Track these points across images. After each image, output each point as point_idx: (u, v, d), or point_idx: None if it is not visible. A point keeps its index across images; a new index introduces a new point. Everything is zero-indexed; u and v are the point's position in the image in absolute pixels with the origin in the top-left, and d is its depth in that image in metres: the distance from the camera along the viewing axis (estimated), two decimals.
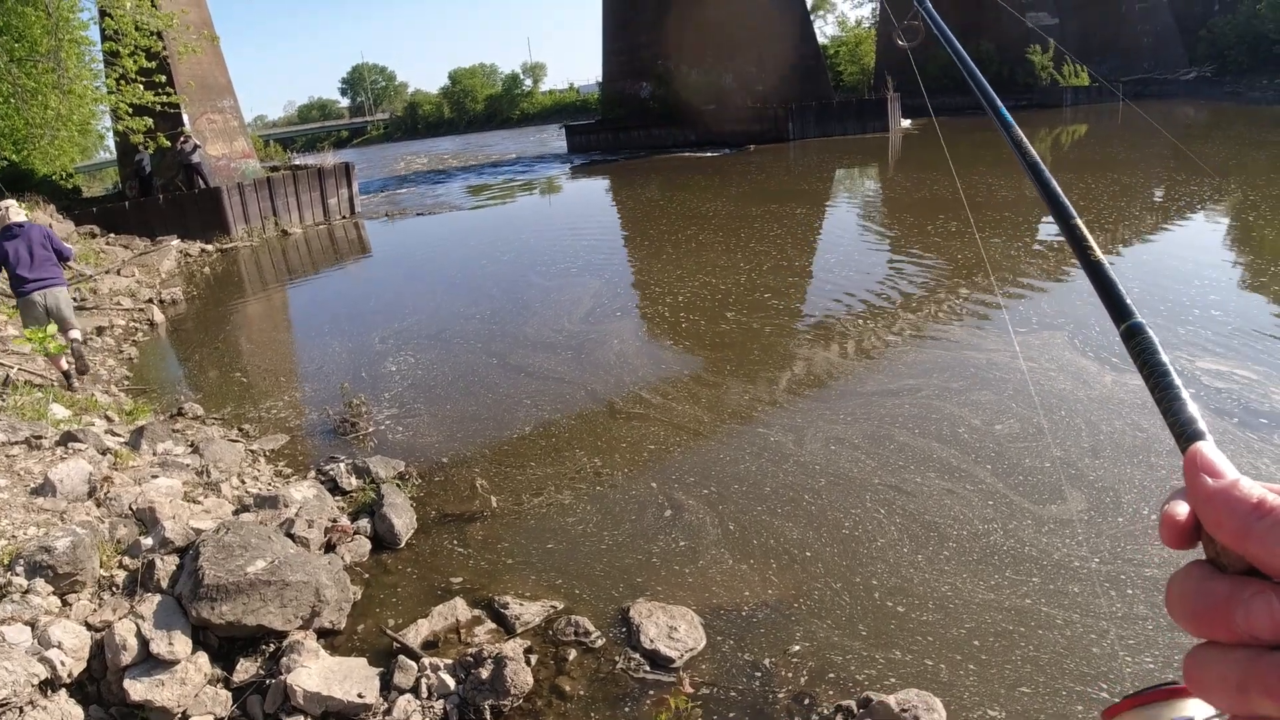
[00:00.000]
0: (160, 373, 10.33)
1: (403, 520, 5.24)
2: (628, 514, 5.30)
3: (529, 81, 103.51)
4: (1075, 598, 4.04)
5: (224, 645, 4.09)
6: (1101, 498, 4.95)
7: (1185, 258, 10.55)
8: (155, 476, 5.68)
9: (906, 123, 36.63)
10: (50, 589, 4.17)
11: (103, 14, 16.59)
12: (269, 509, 5.15)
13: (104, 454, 6.07)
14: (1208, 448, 0.51)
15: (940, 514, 4.90)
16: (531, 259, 15.00)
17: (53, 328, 8.32)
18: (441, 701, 3.71)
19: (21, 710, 3.48)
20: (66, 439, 6.17)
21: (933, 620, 3.97)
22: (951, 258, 11.45)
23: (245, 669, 3.95)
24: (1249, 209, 13.02)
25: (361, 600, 4.61)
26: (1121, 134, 27.90)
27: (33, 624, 3.89)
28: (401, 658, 3.93)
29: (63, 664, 3.72)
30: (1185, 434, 0.54)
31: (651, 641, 3.97)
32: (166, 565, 4.34)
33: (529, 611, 4.32)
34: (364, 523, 5.29)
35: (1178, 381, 0.59)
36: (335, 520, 5.26)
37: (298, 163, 27.15)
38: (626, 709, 3.67)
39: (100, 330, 11.48)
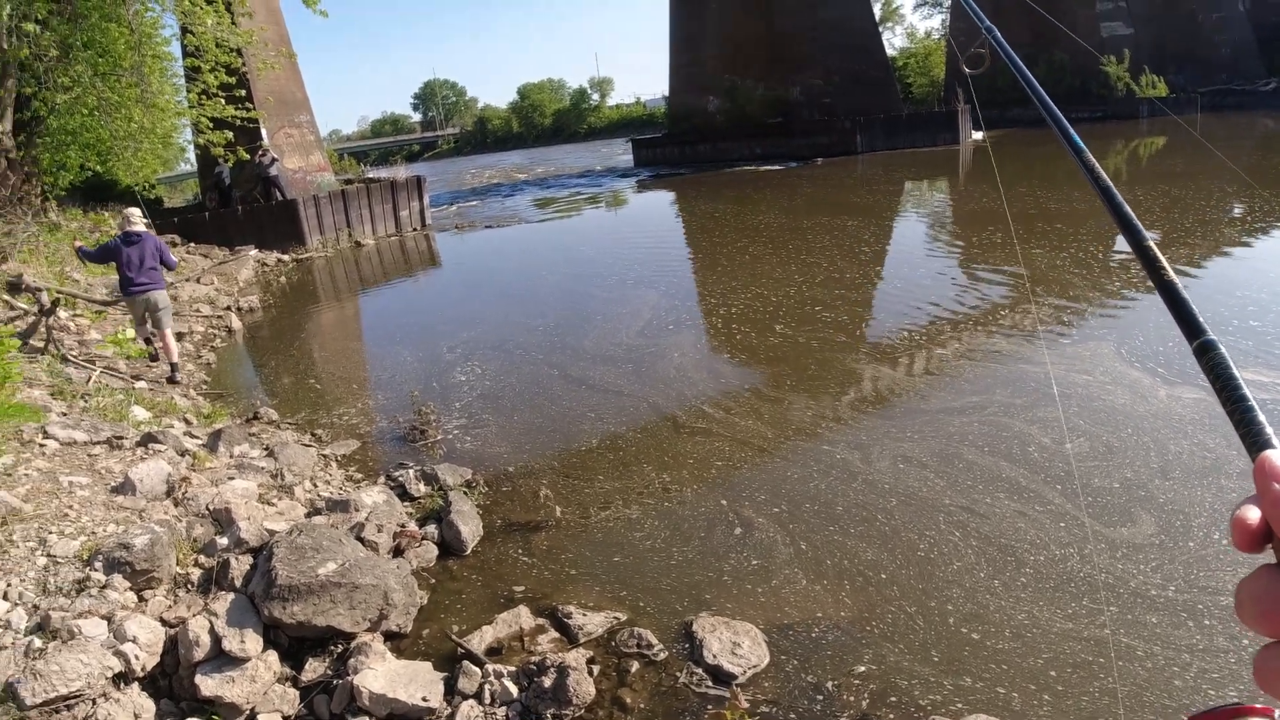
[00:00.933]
0: (237, 378, 10.63)
1: (469, 527, 5.29)
2: (696, 530, 5.24)
3: (596, 96, 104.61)
4: (1154, 628, 3.88)
5: (293, 645, 4.16)
6: (1172, 521, 4.77)
7: (1253, 270, 10.17)
8: (231, 478, 5.83)
9: (978, 135, 36.01)
10: (127, 585, 4.29)
11: (184, 31, 17.20)
12: (340, 512, 5.24)
13: (182, 455, 6.26)
14: (1278, 455, 0.52)
15: (1015, 537, 4.76)
16: (593, 271, 15.12)
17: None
18: (504, 708, 3.71)
19: (95, 702, 3.58)
20: (146, 440, 6.37)
21: (1008, 648, 3.85)
22: (1010, 272, 11.21)
23: (313, 669, 4.02)
24: None
25: (427, 605, 4.66)
26: (1201, 146, 27.03)
27: (109, 618, 4.00)
28: (466, 663, 3.95)
29: (137, 658, 3.81)
30: (1256, 443, 0.57)
31: (714, 656, 3.93)
32: (240, 565, 4.44)
33: (592, 622, 4.31)
34: (431, 529, 5.35)
35: (1248, 394, 0.61)
36: (404, 525, 5.33)
37: (371, 176, 27.78)
38: None
39: (180, 336, 11.85)
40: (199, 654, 3.88)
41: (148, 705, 3.76)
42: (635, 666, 3.98)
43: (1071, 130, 1.07)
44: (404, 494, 5.92)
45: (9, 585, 4.15)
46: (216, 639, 3.93)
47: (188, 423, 7.60)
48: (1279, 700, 0.48)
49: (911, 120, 36.13)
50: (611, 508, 5.66)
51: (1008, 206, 15.33)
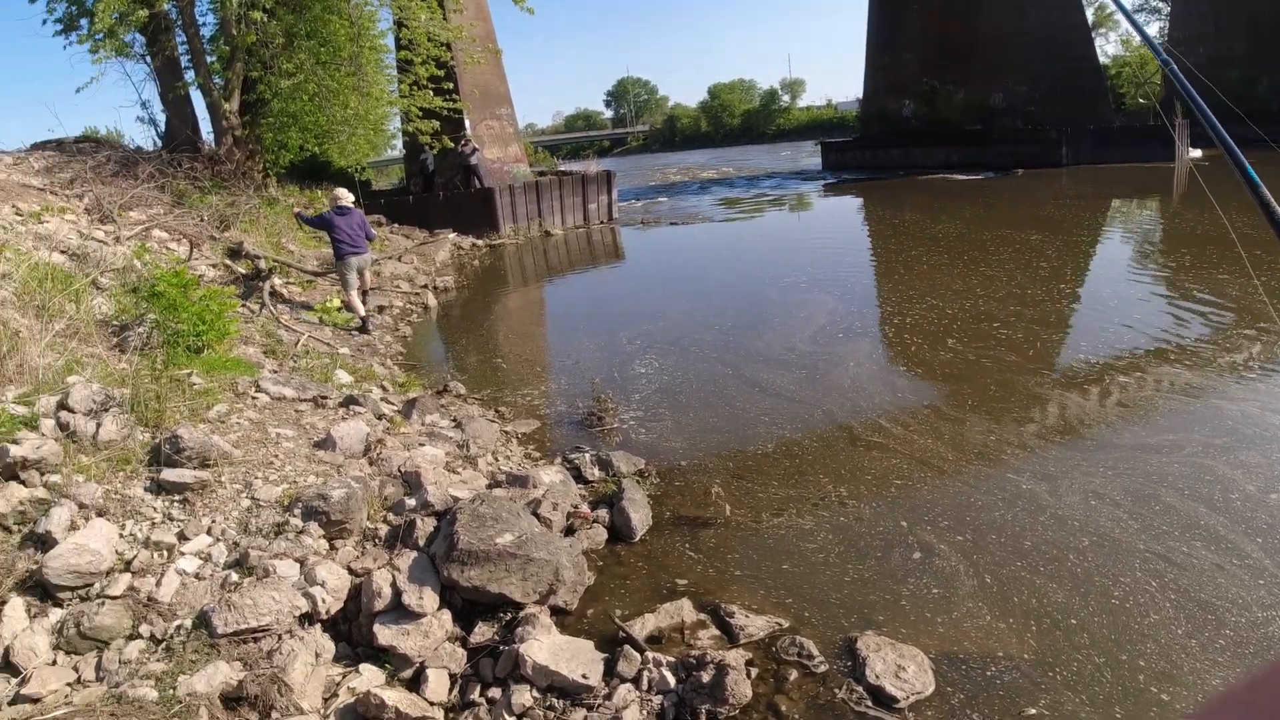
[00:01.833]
0: (430, 352, 11.24)
1: (639, 515, 5.35)
2: (873, 549, 5.06)
3: (787, 97, 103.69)
4: None
5: (465, 607, 4.33)
6: None
7: None
8: (422, 444, 6.15)
9: (1196, 153, 33.16)
10: (321, 533, 4.60)
11: (399, 25, 18.25)
12: (518, 487, 5.43)
13: (379, 419, 6.66)
14: None
15: (1215, 593, 4.32)
16: (772, 273, 14.96)
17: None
18: (660, 698, 3.73)
19: (280, 638, 3.84)
20: (348, 402, 6.82)
21: None
22: (1220, 303, 10.22)
23: (482, 632, 4.17)
24: None
25: (593, 586, 4.74)
26: None
27: (302, 561, 4.30)
28: (626, 647, 3.99)
29: (323, 601, 4.08)
30: None
31: (877, 677, 3.79)
32: (425, 526, 4.68)
33: (754, 624, 4.26)
34: (603, 513, 5.45)
35: None
36: (577, 506, 5.46)
37: (563, 169, 28.60)
38: None
39: (381, 309, 12.65)
40: (379, 604, 4.11)
41: (328, 646, 4.02)
42: (794, 675, 3.91)
43: (1245, 161, 0.96)
44: (579, 476, 6.06)
45: (214, 522, 4.54)
46: (397, 592, 4.16)
47: (384, 390, 8.09)
48: None
49: (1123, 133, 33.63)
50: (784, 515, 5.57)
51: (1230, 230, 14.00)
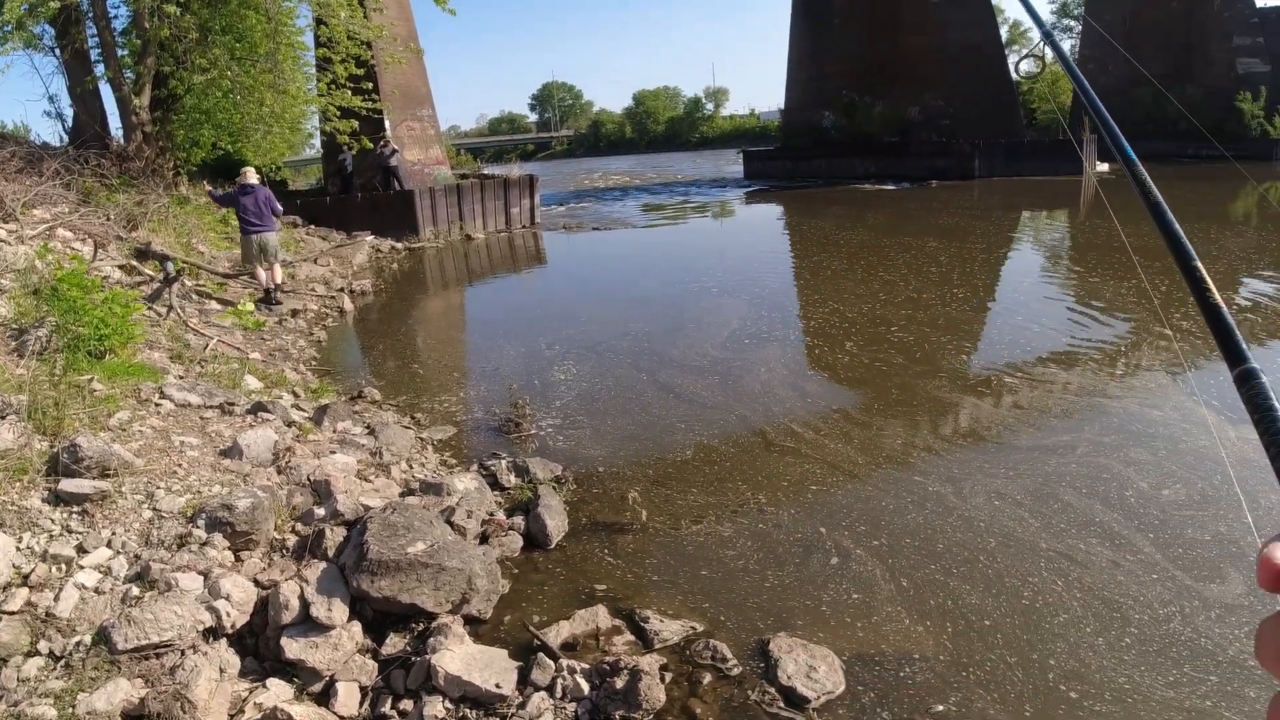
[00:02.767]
0: (345, 357, 11.01)
1: (555, 522, 5.33)
2: (792, 555, 5.11)
3: (710, 105, 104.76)
4: (1253, 703, 3.63)
5: (377, 618, 4.26)
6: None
7: None
8: (333, 452, 6.02)
9: (1103, 166, 34.60)
10: (226, 544, 4.46)
11: (318, 22, 17.90)
12: (432, 495, 5.36)
13: (289, 426, 6.49)
14: None
15: (1118, 591, 4.51)
16: (693, 278, 15.17)
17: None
18: (574, 705, 3.73)
19: (184, 653, 3.71)
20: (257, 408, 6.63)
21: (1106, 712, 3.64)
22: (1103, 307, 10.87)
23: (393, 644, 4.11)
24: None
25: (508, 594, 4.71)
26: None
27: (206, 574, 4.16)
28: (541, 655, 3.97)
29: (228, 615, 3.95)
30: None
31: (789, 678, 3.86)
32: (335, 536, 4.58)
33: (669, 629, 4.29)
34: (519, 520, 5.42)
35: None
36: (492, 514, 5.41)
37: (485, 172, 28.38)
38: None
39: (295, 313, 12.34)
40: (287, 617, 4.01)
41: (234, 661, 3.90)
42: (708, 678, 3.94)
43: (1124, 140, 1.04)
44: (495, 483, 6.01)
45: (114, 534, 4.36)
46: (305, 605, 4.06)
47: (296, 396, 7.89)
48: None
49: (1034, 147, 34.94)
50: (703, 522, 5.59)
51: (1126, 241, 14.72)
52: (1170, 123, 40.00)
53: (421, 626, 4.19)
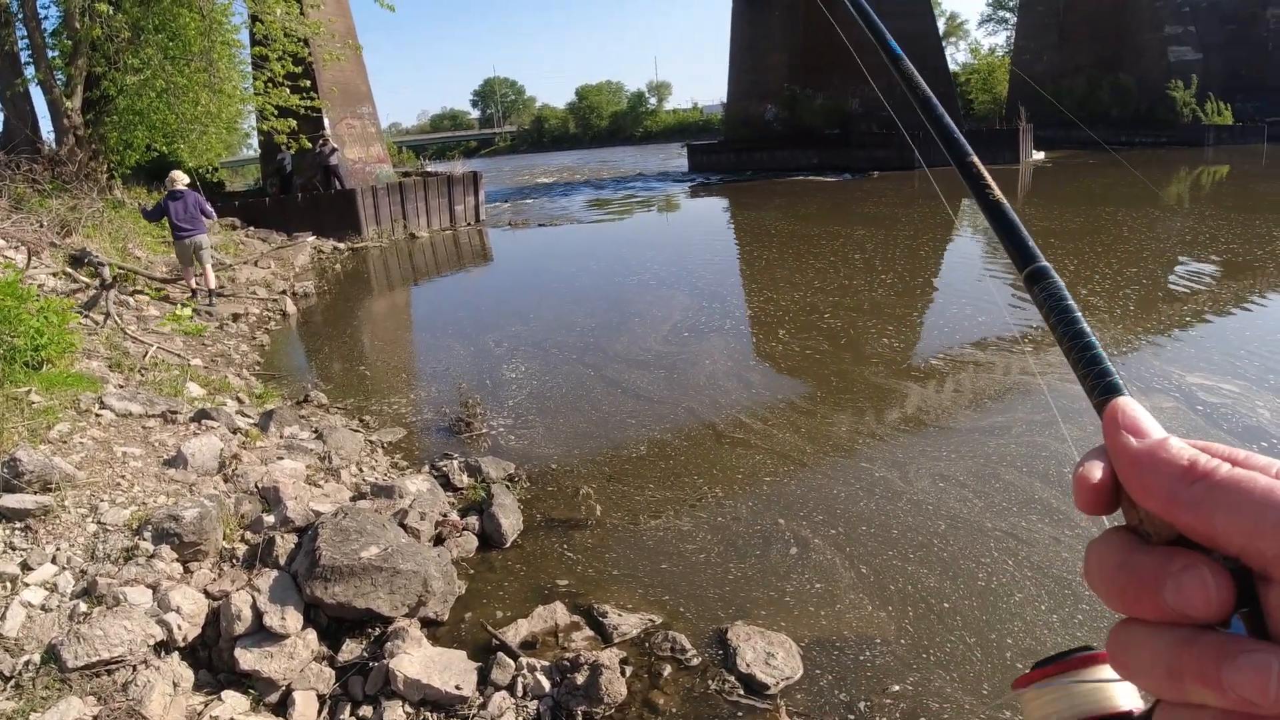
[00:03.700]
0: (289, 361, 10.82)
1: (510, 521, 5.32)
2: (752, 547, 5.16)
3: (654, 100, 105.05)
4: None
5: (332, 625, 4.21)
6: None
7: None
8: (281, 458, 5.93)
9: (1039, 155, 35.41)
10: (174, 556, 4.38)
11: (254, 19, 17.55)
12: (384, 498, 5.31)
13: (234, 433, 6.38)
14: (1132, 404, 0.45)
15: (1065, 569, 4.65)
16: (633, 272, 15.34)
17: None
18: (535, 702, 3.73)
19: (135, 668, 3.64)
20: (200, 416, 6.50)
21: None
22: (1020, 290, 11.24)
23: (350, 650, 4.07)
24: None
25: (465, 595, 4.69)
26: (1269, 176, 26.33)
27: (155, 587, 4.08)
28: (500, 655, 3.97)
29: (179, 627, 3.88)
30: (1102, 387, 0.48)
31: (748, 665, 3.91)
32: (285, 543, 4.52)
33: (627, 622, 4.31)
34: (473, 519, 5.39)
35: (1090, 332, 0.52)
36: (446, 515, 5.38)
37: (428, 170, 28.07)
38: None
39: (236, 317, 12.10)
40: (240, 628, 3.95)
41: (186, 674, 3.83)
42: (668, 670, 3.97)
43: (891, 40, 1.00)
44: (447, 484, 5.97)
45: (58, 550, 4.26)
46: (258, 614, 4.00)
47: (240, 401, 7.75)
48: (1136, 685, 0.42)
49: (972, 137, 35.41)
50: (662, 516, 5.61)
51: (1058, 227, 15.18)
52: (1103, 111, 41.09)
53: (378, 631, 4.15)
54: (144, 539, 4.39)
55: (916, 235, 17.84)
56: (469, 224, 24.35)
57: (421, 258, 19.72)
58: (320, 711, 3.81)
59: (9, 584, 3.96)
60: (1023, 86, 45.74)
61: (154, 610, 3.91)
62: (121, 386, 7.30)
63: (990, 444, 6.39)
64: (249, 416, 7.11)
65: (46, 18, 16.92)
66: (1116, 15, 44.37)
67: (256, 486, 5.27)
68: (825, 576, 4.76)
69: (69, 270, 11.18)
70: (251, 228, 20.08)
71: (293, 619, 4.02)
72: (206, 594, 4.20)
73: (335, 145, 21.83)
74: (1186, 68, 41.70)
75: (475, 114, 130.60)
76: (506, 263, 18.81)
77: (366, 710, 3.77)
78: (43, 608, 3.86)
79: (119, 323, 9.75)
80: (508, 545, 5.23)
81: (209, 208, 12.61)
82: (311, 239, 19.86)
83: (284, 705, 3.80)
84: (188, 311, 11.32)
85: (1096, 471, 0.44)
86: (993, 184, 0.69)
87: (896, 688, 3.78)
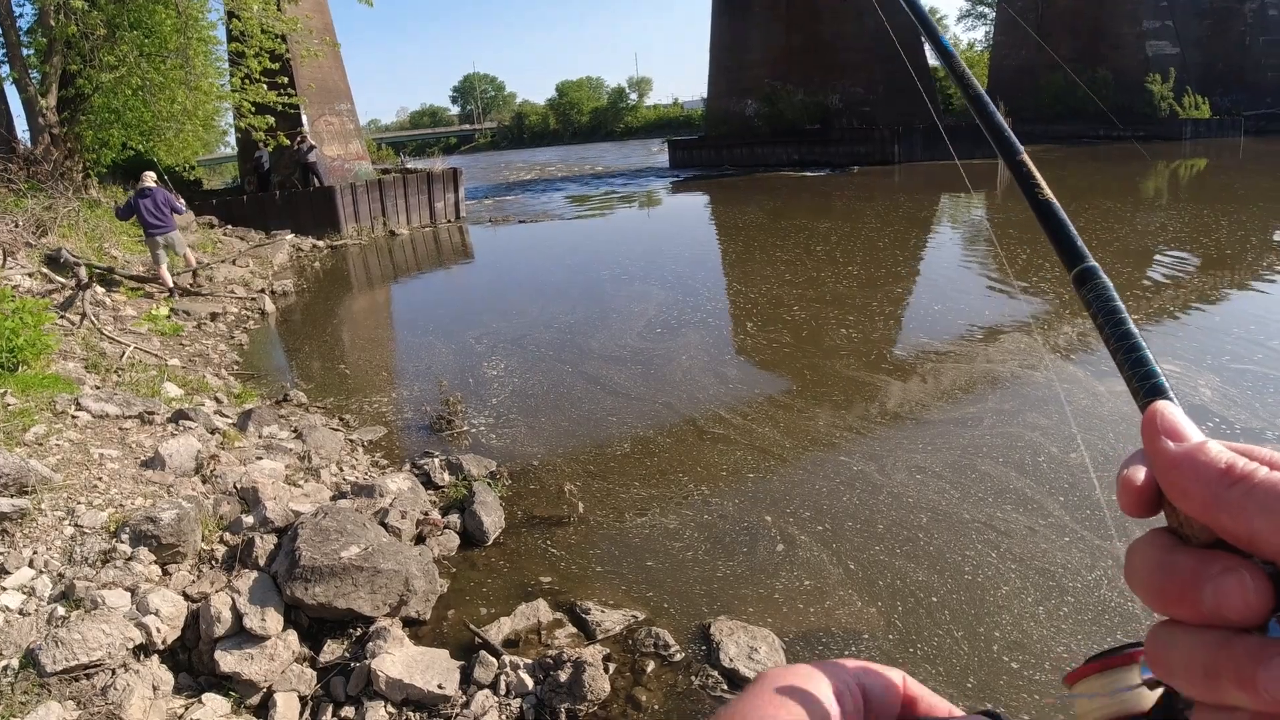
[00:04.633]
0: (268, 360, 10.74)
1: (492, 518, 5.31)
2: (739, 544, 5.16)
3: (634, 96, 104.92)
4: None
5: (313, 625, 4.19)
6: None
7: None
8: (259, 458, 5.88)
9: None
10: (153, 558, 4.34)
11: (230, 16, 17.42)
12: (365, 497, 5.28)
13: (212, 433, 6.32)
14: (1170, 408, 0.45)
15: (1048, 560, 4.69)
16: (612, 268, 15.39)
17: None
18: (519, 700, 3.72)
19: (114, 672, 3.61)
20: (178, 416, 6.45)
21: (1045, 680, 3.77)
22: (988, 279, 11.50)
23: (332, 650, 4.04)
24: None
25: (447, 593, 4.67)
26: (1244, 169, 26.64)
27: (133, 590, 4.05)
28: (483, 653, 3.95)
29: (158, 630, 3.85)
30: (1146, 389, 0.49)
31: (731, 660, 3.91)
32: (265, 544, 4.48)
33: (610, 619, 4.31)
34: (454, 518, 5.37)
35: (1137, 332, 0.53)
36: (427, 513, 5.36)
37: (408, 166, 27.92)
38: None
39: (214, 316, 12.00)
40: (220, 630, 3.92)
41: (166, 678, 3.80)
42: (651, 666, 3.98)
43: (937, 30, 1.00)
44: (428, 482, 5.95)
45: (35, 553, 4.21)
46: (238, 616, 3.97)
47: (218, 401, 7.69)
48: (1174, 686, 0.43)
49: (952, 132, 35.73)
50: (647, 514, 5.61)
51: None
52: (1082, 105, 41.35)
53: (360, 631, 4.13)
54: (122, 541, 4.34)
55: (882, 227, 17.98)
56: (449, 221, 24.25)
57: (401, 255, 19.61)
58: (302, 713, 3.79)
59: None
60: (1001, 81, 46.04)
61: (133, 613, 3.87)
62: (98, 387, 7.23)
63: (965, 435, 6.44)
64: (227, 417, 7.06)
65: (21, 15, 16.72)
66: (1094, 10, 44.64)
67: (235, 487, 5.22)
68: (815, 573, 4.77)
69: (45, 271, 11.06)
70: (229, 226, 19.94)
71: (273, 620, 4.00)
72: (186, 596, 4.16)
73: (313, 142, 21.67)
74: (1164, 62, 42.04)
75: (455, 110, 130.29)
76: (487, 260, 18.73)
77: (348, 711, 3.75)
78: (20, 612, 3.82)
79: (95, 323, 9.65)
80: (490, 543, 5.22)
81: (179, 204, 13.03)
82: (290, 237, 19.73)
83: (265, 707, 3.77)
84: (164, 311, 11.23)
85: (1139, 474, 0.45)
86: (1043, 183, 0.69)
87: None
